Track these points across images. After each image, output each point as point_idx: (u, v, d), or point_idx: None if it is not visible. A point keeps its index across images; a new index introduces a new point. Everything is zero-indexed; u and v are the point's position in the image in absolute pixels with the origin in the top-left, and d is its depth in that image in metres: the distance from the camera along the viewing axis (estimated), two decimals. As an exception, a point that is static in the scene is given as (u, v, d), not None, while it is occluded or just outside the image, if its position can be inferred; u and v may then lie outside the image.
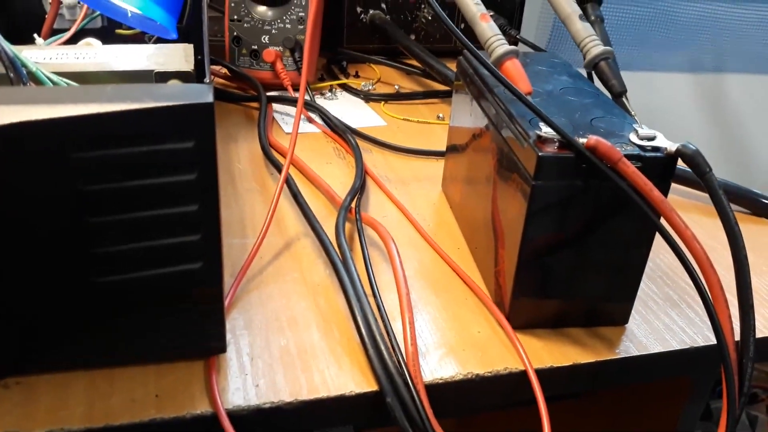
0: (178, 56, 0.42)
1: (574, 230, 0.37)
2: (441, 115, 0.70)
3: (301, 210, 0.50)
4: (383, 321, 0.39)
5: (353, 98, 0.73)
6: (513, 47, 0.41)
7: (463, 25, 0.81)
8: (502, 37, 0.40)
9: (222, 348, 0.37)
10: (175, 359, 0.37)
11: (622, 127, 0.39)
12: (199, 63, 0.40)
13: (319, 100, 0.71)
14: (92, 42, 0.51)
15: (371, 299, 0.41)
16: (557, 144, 0.35)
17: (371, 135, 0.64)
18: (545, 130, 0.36)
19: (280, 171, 0.56)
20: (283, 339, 0.39)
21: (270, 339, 0.39)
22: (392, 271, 0.43)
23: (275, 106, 0.68)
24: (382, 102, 0.73)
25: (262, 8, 0.70)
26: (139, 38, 0.55)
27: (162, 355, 0.36)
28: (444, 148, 0.56)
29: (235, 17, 0.70)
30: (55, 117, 0.28)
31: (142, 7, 0.47)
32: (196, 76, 0.40)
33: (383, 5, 0.82)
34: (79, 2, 0.58)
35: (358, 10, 0.81)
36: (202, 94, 0.30)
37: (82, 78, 0.39)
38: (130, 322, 0.34)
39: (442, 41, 0.85)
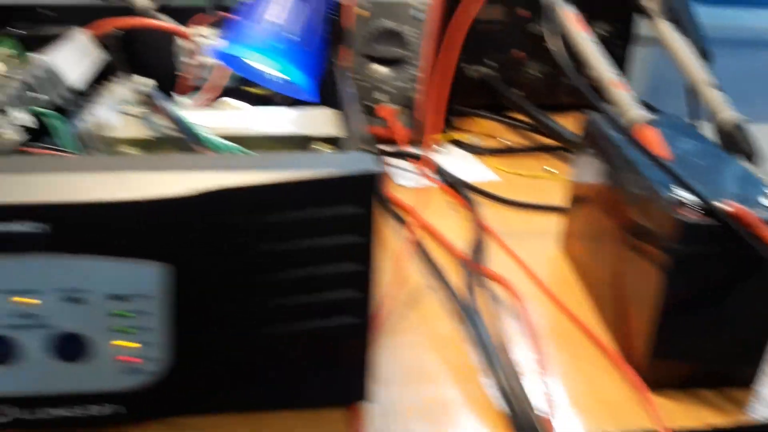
0: (324, 120, 0.45)
1: (711, 294, 0.38)
2: (549, 168, 0.72)
3: (427, 262, 0.52)
4: (517, 378, 0.40)
5: (462, 152, 0.75)
6: (648, 114, 0.42)
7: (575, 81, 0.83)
8: (636, 102, 0.42)
9: (366, 397, 0.39)
10: (320, 406, 0.39)
11: (755, 191, 0.39)
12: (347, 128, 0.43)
13: (431, 155, 0.74)
14: (230, 102, 0.55)
15: (502, 355, 0.42)
16: (697, 209, 0.36)
17: (484, 189, 0.65)
18: (684, 196, 0.37)
19: (398, 222, 0.58)
20: (417, 391, 0.41)
21: (404, 391, 0.41)
22: (522, 327, 0.44)
23: (390, 160, 0.71)
24: (491, 156, 0.75)
25: (376, 66, 0.73)
26: (268, 96, 0.59)
27: (308, 402, 0.39)
28: (557, 203, 0.57)
29: (353, 75, 0.73)
30: (245, 185, 0.31)
31: (285, 71, 0.51)
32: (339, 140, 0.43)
33: (490, 62, 0.84)
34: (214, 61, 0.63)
35: (465, 66, 0.84)
36: (371, 163, 0.32)
37: (241, 141, 0.42)
38: (285, 369, 0.37)
39: (547, 96, 0.87)
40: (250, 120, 0.46)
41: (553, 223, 0.59)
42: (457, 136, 0.79)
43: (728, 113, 0.47)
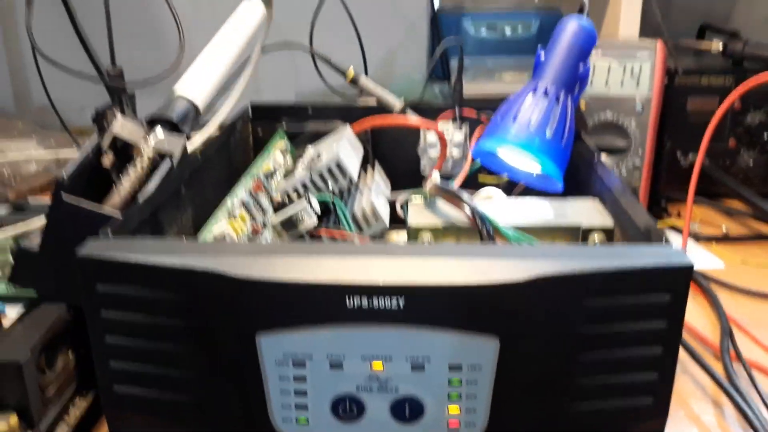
0: (593, 211, 0.49)
1: None
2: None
3: (686, 349, 0.53)
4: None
5: (685, 239, 0.76)
6: None
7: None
8: None
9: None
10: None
11: None
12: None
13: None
14: (492, 192, 0.60)
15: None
16: None
17: (714, 276, 0.66)
18: None
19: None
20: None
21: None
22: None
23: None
24: (713, 242, 0.75)
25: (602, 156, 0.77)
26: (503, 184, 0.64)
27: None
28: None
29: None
30: (572, 273, 0.35)
31: (541, 164, 0.55)
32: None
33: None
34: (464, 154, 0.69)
35: (678, 154, 0.85)
36: (682, 257, 0.36)
37: (525, 231, 0.47)
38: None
39: (760, 185, 0.86)
40: (524, 211, 0.51)
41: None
42: (675, 222, 0.80)
43: None
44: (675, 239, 0.77)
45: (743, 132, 0.86)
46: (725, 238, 0.77)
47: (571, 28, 0.59)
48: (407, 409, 0.37)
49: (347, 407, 0.37)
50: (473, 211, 0.46)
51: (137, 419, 0.40)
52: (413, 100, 0.73)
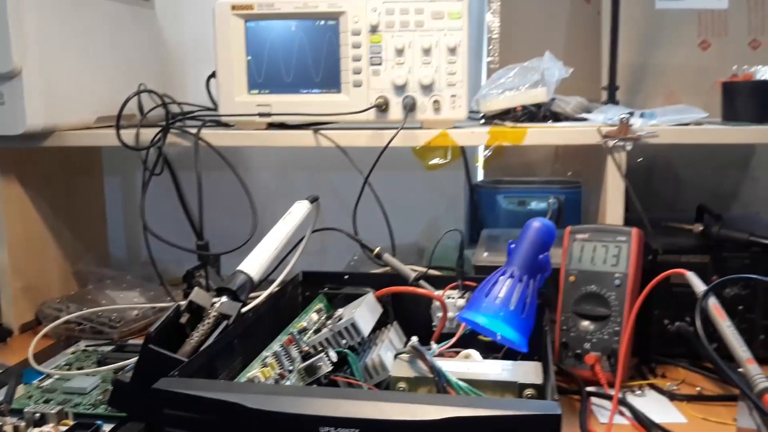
0: (531, 371, 0.65)
1: None
2: (736, 418, 0.82)
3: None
4: None
5: (657, 396, 0.89)
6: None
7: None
8: (763, 376, 0.56)
9: None
10: None
11: None
12: (545, 378, 0.62)
13: (629, 396, 0.88)
14: (472, 354, 0.77)
15: None
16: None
17: (668, 428, 0.78)
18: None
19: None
20: None
21: None
22: None
23: (593, 399, 0.87)
24: (684, 401, 0.87)
25: (585, 323, 0.92)
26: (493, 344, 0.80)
27: None
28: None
29: (564, 327, 0.93)
30: (470, 415, 0.51)
31: (503, 332, 0.72)
32: (542, 388, 0.62)
33: (688, 318, 0.98)
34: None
35: (665, 321, 0.99)
36: (553, 408, 0.51)
37: (473, 384, 0.63)
38: None
39: (744, 349, 0.98)
40: (481, 369, 0.67)
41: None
42: (656, 381, 0.92)
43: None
44: (650, 395, 0.89)
45: (724, 303, 0.98)
46: (697, 398, 0.89)
47: (534, 226, 0.77)
48: None
49: (322, 506, 0.54)
50: (432, 368, 0.63)
51: None
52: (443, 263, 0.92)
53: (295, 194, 0.92)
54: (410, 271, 0.91)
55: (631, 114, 1.02)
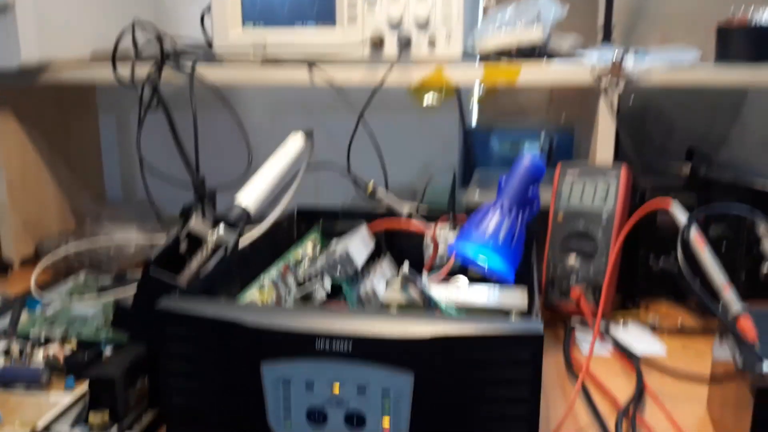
0: (518, 297, 0.68)
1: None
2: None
3: (592, 410, 0.70)
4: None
5: (640, 328, 0.92)
6: (745, 306, 0.59)
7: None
8: (739, 301, 0.59)
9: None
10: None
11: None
12: (530, 302, 0.65)
13: (612, 328, 0.92)
14: (459, 278, 0.80)
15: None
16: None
17: (652, 360, 0.82)
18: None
19: (574, 376, 0.76)
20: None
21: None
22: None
23: (577, 332, 0.90)
24: (665, 334, 0.91)
25: (572, 259, 0.94)
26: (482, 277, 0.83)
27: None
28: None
29: (551, 264, 0.95)
30: (458, 334, 0.54)
31: (491, 263, 0.74)
32: (528, 311, 0.64)
33: (674, 254, 1.01)
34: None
35: (650, 260, 1.01)
36: (537, 327, 0.54)
37: (464, 308, 0.66)
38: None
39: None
40: (468, 294, 0.70)
41: (705, 390, 0.73)
42: (639, 315, 0.96)
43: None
44: (632, 328, 0.93)
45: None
46: (678, 330, 0.92)
47: (525, 161, 0.79)
48: (355, 419, 0.56)
49: (316, 416, 0.57)
50: (422, 293, 0.65)
51: (185, 424, 0.60)
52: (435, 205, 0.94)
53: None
54: (402, 206, 0.93)
55: (626, 51, 1.02)
